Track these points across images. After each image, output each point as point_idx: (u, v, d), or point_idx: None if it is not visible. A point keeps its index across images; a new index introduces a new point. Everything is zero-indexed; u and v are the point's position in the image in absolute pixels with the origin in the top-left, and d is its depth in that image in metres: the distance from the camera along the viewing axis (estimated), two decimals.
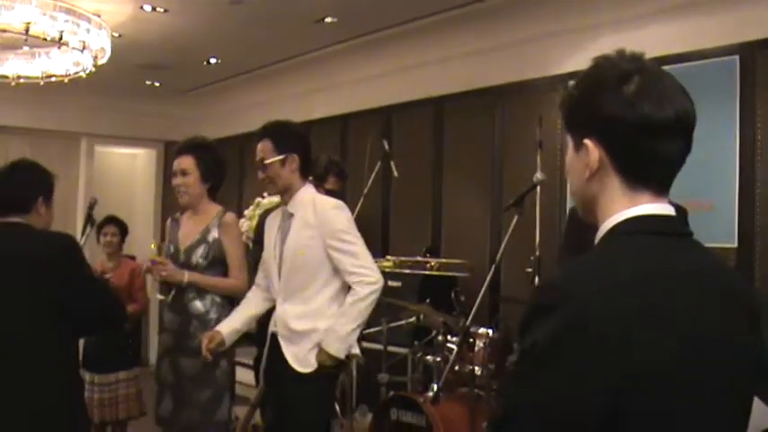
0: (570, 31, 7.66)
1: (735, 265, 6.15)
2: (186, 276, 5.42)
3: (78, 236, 5.73)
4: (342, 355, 4.85)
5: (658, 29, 7.00)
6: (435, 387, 6.09)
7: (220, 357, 5.36)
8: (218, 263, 5.46)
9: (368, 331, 7.60)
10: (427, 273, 8.18)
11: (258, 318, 5.41)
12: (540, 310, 1.77)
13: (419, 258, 8.48)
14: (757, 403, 3.12)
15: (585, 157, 1.90)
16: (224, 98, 12.77)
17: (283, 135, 5.07)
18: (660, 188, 1.89)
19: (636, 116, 1.82)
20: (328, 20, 8.92)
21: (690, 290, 1.82)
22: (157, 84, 12.38)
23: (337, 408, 8.12)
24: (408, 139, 9.22)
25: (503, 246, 5.83)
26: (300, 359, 4.90)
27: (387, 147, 7.73)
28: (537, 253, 6.20)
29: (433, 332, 6.79)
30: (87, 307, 4.26)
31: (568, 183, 2.04)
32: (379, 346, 7.17)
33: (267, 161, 4.99)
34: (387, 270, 8.34)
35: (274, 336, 5.02)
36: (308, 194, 5.03)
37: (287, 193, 5.04)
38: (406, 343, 7.26)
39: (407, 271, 8.33)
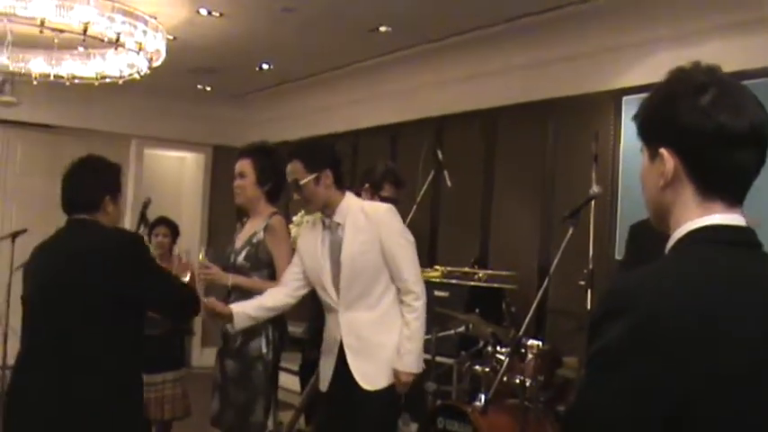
0: (628, 46, 7.63)
1: None
2: (230, 279, 5.48)
3: None
4: (418, 371, 5.04)
5: (719, 45, 6.94)
6: (484, 397, 6.06)
7: (256, 361, 5.43)
8: (263, 265, 5.49)
9: None
10: (474, 283, 8.16)
11: (279, 313, 5.39)
12: (609, 313, 1.80)
13: (467, 269, 8.46)
14: None
15: (660, 167, 1.91)
16: (275, 104, 12.82)
17: (312, 153, 5.10)
18: (733, 199, 1.89)
19: (712, 126, 1.83)
20: (382, 29, 8.94)
21: (760, 299, 1.82)
22: (208, 88, 12.46)
23: None
24: (459, 151, 9.20)
25: (557, 257, 5.81)
26: (369, 377, 4.93)
27: (440, 156, 7.72)
28: (590, 266, 6.16)
29: (481, 343, 6.77)
30: (163, 297, 4.44)
31: (643, 192, 2.03)
32: (426, 356, 7.16)
33: (301, 182, 4.98)
34: (434, 280, 8.35)
35: (342, 346, 5.02)
36: (353, 202, 5.06)
37: (328, 208, 5.05)
38: (452, 353, 7.24)
39: (455, 281, 8.32)
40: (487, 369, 6.35)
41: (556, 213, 7.36)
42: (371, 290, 4.93)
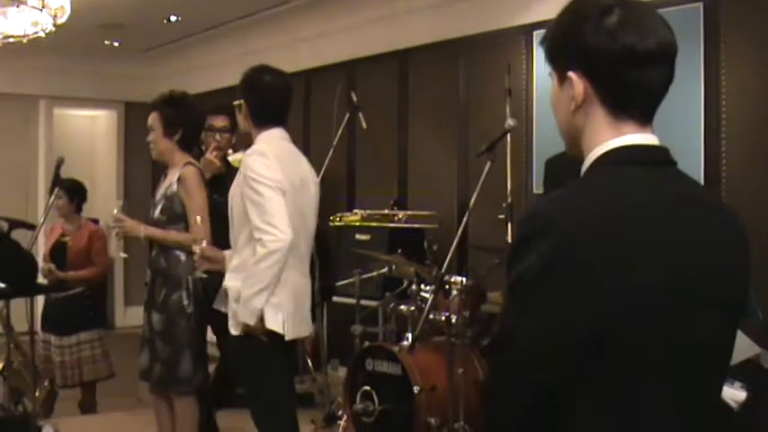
0: None
1: None
2: (142, 231, 5.50)
3: (44, 197, 5.82)
4: (248, 321, 4.48)
5: None
6: (410, 336, 6.10)
7: (178, 313, 5.42)
8: (178, 218, 5.48)
9: (339, 284, 7.64)
10: (395, 225, 8.19)
11: None
12: (525, 239, 1.82)
13: (387, 211, 8.48)
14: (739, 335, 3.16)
15: (570, 90, 1.92)
16: (185, 57, 12.67)
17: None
18: (645, 118, 1.92)
19: (619, 47, 1.84)
20: None
21: (677, 218, 1.86)
22: (116, 44, 12.24)
23: (309, 363, 8.17)
24: (373, 93, 9.18)
25: (475, 193, 5.82)
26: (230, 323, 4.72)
27: (354, 98, 7.70)
28: (509, 200, 6.21)
29: (405, 283, 6.80)
30: None
31: (555, 118, 2.04)
32: (351, 300, 7.19)
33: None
34: (354, 224, 8.37)
35: None
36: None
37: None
38: (376, 295, 7.27)
39: (375, 224, 8.34)
40: (412, 308, 6.37)
41: (472, 150, 7.38)
42: (237, 236, 4.68)
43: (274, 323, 4.53)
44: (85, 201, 7.53)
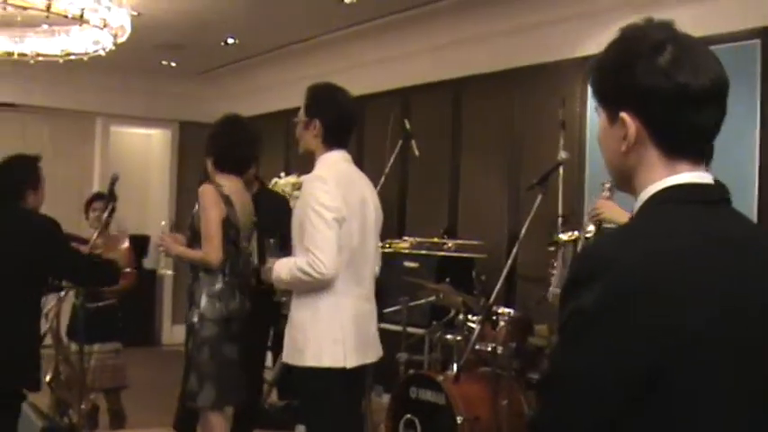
0: (593, 13, 7.64)
1: None
2: (173, 251, 5.65)
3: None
4: (269, 279, 4.76)
5: (682, 11, 6.96)
6: (456, 366, 6.09)
7: (189, 332, 5.52)
8: (199, 237, 5.49)
9: (387, 311, 7.63)
10: (444, 253, 8.18)
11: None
12: (582, 278, 1.79)
13: (436, 239, 8.47)
14: None
15: (622, 131, 1.87)
16: (241, 79, 12.76)
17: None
18: (698, 157, 1.87)
19: (673, 86, 1.80)
20: (348, 0, 8.90)
21: (730, 257, 1.81)
22: (174, 64, 12.38)
23: None
24: (427, 122, 9.20)
25: (526, 224, 5.83)
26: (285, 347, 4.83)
27: (408, 125, 7.71)
28: (559, 232, 6.19)
29: (452, 312, 6.79)
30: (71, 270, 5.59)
31: (603, 155, 2.00)
32: (397, 327, 7.18)
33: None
34: (404, 251, 8.37)
35: None
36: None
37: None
38: (423, 323, 7.25)
39: (424, 252, 8.33)
40: (459, 338, 6.37)
41: (524, 181, 7.37)
42: (295, 251, 4.68)
43: (329, 359, 4.54)
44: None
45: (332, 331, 4.53)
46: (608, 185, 4.94)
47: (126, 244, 7.64)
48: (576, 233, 5.59)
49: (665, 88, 1.80)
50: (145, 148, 14.57)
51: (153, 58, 11.82)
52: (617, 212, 4.79)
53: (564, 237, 5.73)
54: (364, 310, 4.77)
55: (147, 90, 13.05)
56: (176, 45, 11.08)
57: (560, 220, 6.47)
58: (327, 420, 4.65)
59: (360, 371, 4.79)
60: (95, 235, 6.52)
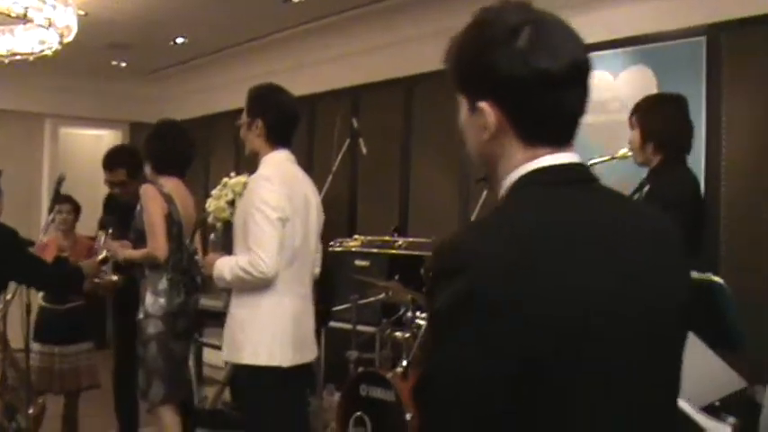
0: (544, 9, 7.66)
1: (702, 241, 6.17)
2: (120, 254, 5.74)
3: (45, 213, 5.94)
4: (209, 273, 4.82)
5: (627, 10, 7.04)
6: (405, 362, 6.10)
7: (138, 330, 5.58)
8: (143, 237, 5.60)
9: (337, 309, 7.63)
10: (395, 251, 8.19)
11: None
12: (442, 274, 1.70)
13: (387, 237, 8.48)
14: (720, 367, 3.15)
15: (482, 120, 1.80)
16: (191, 78, 12.71)
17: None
18: (562, 140, 1.81)
19: (531, 72, 1.72)
20: None
21: (597, 239, 1.75)
22: (123, 64, 12.29)
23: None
24: (377, 120, 9.21)
25: (473, 219, 5.84)
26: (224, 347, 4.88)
27: (355, 124, 7.72)
28: None
29: (402, 309, 6.80)
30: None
31: (467, 145, 1.93)
32: (347, 325, 7.18)
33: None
34: (354, 249, 8.37)
35: None
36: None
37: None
38: (374, 321, 7.26)
39: (375, 250, 8.33)
40: (408, 335, 6.38)
41: (474, 178, 7.38)
42: (237, 249, 4.74)
43: (266, 357, 4.57)
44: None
45: (271, 330, 4.56)
46: None
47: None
48: None
49: (523, 75, 1.73)
50: (95, 149, 14.43)
51: (102, 58, 11.73)
52: None
53: None
54: (304, 309, 4.81)
55: (96, 91, 12.95)
56: (125, 45, 11.00)
57: None
58: (267, 417, 4.67)
59: (300, 369, 4.81)
60: (43, 237, 6.52)
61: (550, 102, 1.76)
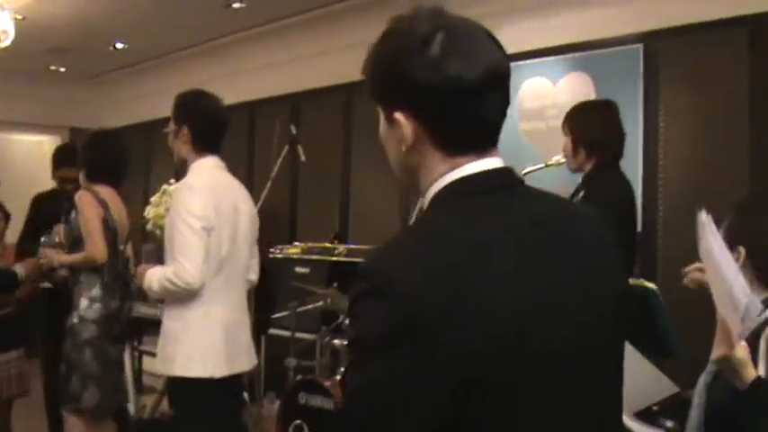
0: (477, 19, 7.65)
1: (639, 254, 6.19)
2: (55, 260, 5.66)
3: None
4: (140, 284, 4.71)
5: (565, 17, 7.09)
6: (344, 370, 6.08)
7: (70, 335, 5.47)
8: (78, 241, 5.55)
9: (275, 316, 7.60)
10: (336, 258, 8.18)
11: None
12: (362, 296, 1.61)
13: (327, 244, 8.46)
14: (653, 374, 3.16)
15: (399, 132, 1.75)
16: (130, 84, 12.63)
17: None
18: (483, 148, 1.75)
19: (444, 80, 1.67)
20: (236, 5, 8.91)
21: (528, 244, 1.68)
22: (62, 69, 12.19)
23: (246, 395, 8.11)
24: (317, 126, 9.22)
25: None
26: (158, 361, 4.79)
27: (294, 131, 7.69)
28: None
29: (341, 317, 6.79)
30: None
31: (388, 157, 1.88)
32: (286, 333, 7.16)
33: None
34: (294, 256, 8.35)
35: None
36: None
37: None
38: (313, 329, 7.23)
39: (315, 257, 8.32)
40: (346, 342, 6.36)
41: None
42: (167, 258, 4.66)
43: (197, 369, 4.48)
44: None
45: (201, 341, 4.48)
46: None
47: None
48: None
49: (437, 84, 1.67)
50: (36, 155, 14.29)
51: (41, 62, 11.65)
52: None
53: None
54: (235, 319, 4.70)
55: (35, 96, 12.82)
56: (64, 49, 10.91)
57: None
58: (201, 429, 4.59)
59: (233, 380, 4.73)
60: None
61: (467, 109, 1.70)
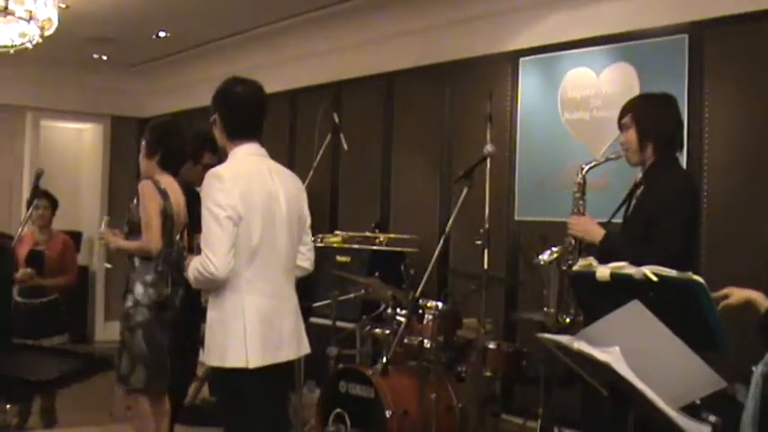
0: (521, 8, 7.68)
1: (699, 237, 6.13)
2: (112, 243, 5.91)
3: (24, 207, 5.97)
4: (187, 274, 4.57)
5: (609, 7, 7.04)
6: (384, 359, 6.07)
7: (123, 317, 5.72)
8: (136, 229, 5.71)
9: (316, 305, 7.61)
10: (376, 247, 8.18)
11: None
12: None
13: (368, 233, 8.47)
14: (699, 367, 3.13)
15: None
16: (172, 73, 12.67)
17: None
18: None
19: None
20: None
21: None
22: (105, 57, 12.23)
23: None
24: (358, 115, 9.20)
25: (452, 218, 5.83)
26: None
27: (336, 119, 7.67)
28: (486, 225, 6.16)
29: (382, 306, 6.79)
30: None
31: None
32: (327, 321, 7.16)
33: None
34: (335, 245, 8.36)
35: None
36: None
37: None
38: (354, 317, 7.23)
39: (356, 246, 8.33)
40: (387, 332, 6.37)
41: (454, 174, 7.35)
42: None
43: (232, 359, 4.40)
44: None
45: (235, 331, 4.42)
46: (580, 199, 4.92)
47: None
48: (554, 250, 5.40)
49: None
50: (77, 142, 14.40)
51: (84, 51, 11.69)
52: (591, 230, 4.73)
53: (545, 257, 5.52)
54: (274, 308, 4.55)
55: (78, 84, 12.90)
56: (107, 38, 10.96)
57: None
58: (241, 420, 4.54)
59: (276, 370, 4.59)
60: (21, 231, 6.60)
61: None
